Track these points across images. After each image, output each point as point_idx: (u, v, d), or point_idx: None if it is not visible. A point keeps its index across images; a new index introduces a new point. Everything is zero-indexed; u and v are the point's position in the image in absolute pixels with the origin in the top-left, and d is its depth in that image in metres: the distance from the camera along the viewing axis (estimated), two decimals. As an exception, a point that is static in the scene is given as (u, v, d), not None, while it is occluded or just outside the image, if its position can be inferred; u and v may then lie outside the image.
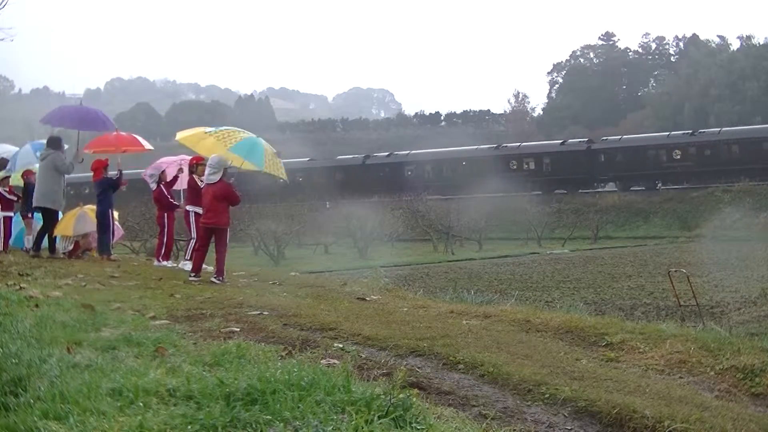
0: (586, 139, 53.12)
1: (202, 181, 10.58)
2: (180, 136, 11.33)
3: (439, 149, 56.53)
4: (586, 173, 48.51)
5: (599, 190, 49.46)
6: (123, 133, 13.72)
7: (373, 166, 54.82)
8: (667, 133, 50.37)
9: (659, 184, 47.94)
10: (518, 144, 54.82)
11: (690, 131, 49.95)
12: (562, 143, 52.29)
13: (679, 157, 46.49)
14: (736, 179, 43.87)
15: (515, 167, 50.52)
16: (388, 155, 56.76)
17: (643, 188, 47.66)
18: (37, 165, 12.64)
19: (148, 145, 13.46)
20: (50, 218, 12.19)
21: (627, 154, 47.38)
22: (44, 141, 13.00)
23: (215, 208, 9.78)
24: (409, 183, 48.75)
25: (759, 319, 13.58)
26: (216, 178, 9.77)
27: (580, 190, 47.48)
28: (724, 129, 49.39)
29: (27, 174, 13.45)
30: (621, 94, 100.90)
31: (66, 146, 12.57)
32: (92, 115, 13.26)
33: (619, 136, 51.83)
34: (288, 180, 11.62)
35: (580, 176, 48.23)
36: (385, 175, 52.77)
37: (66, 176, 12.47)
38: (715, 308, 15.05)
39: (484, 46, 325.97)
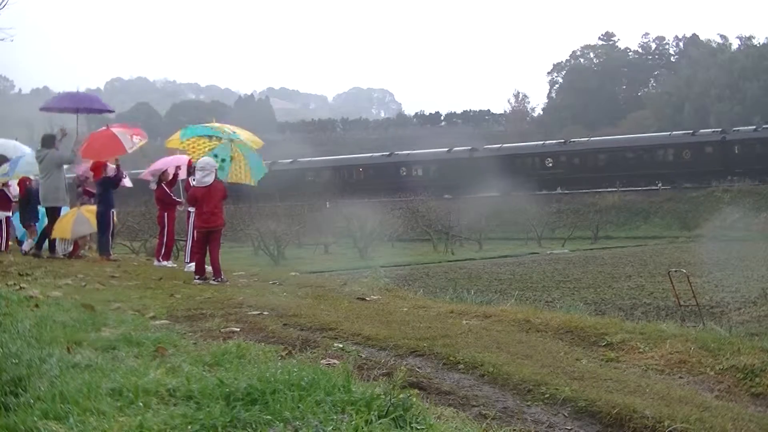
0: (469, 148, 55.58)
1: None
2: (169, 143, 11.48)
3: (338, 156, 61.12)
4: (469, 179, 50.39)
5: (481, 195, 50.46)
6: (113, 129, 12.85)
7: (279, 172, 54.50)
8: (542, 142, 55.47)
9: (544, 190, 50.93)
10: (407, 152, 58.10)
11: (563, 140, 54.36)
12: (448, 151, 55.23)
13: (551, 164, 51.00)
14: (604, 186, 48.50)
15: (405, 173, 54.21)
16: (291, 162, 57.86)
17: (522, 193, 49.32)
18: (36, 168, 12.66)
19: (128, 145, 12.46)
20: (54, 216, 12.22)
21: (505, 162, 49.96)
22: None
23: (212, 210, 9.81)
24: (311, 188, 51.65)
25: (759, 319, 13.56)
26: (210, 179, 9.77)
27: (464, 195, 48.49)
28: (592, 138, 54.01)
29: (27, 181, 13.46)
30: (621, 94, 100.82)
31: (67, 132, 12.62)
32: (87, 98, 13.59)
33: (499, 145, 55.92)
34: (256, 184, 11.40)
35: (463, 182, 50.16)
36: (289, 180, 53.00)
37: (67, 172, 12.51)
38: (715, 308, 15.03)
39: (484, 46, 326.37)
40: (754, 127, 48.07)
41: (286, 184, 50.48)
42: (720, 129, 50.66)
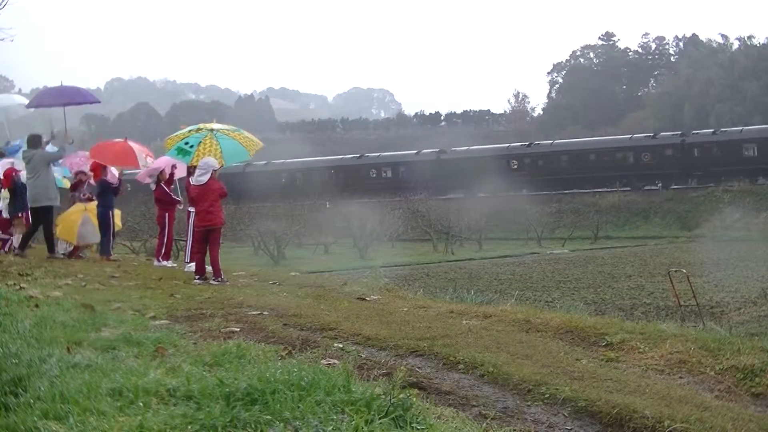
0: (437, 150, 56.27)
1: None
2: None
3: (311, 158, 62.20)
4: (437, 181, 51.16)
5: (449, 196, 50.85)
6: (131, 143, 13.26)
7: (253, 174, 54.25)
8: (507, 144, 56.37)
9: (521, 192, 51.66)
10: (377, 154, 59.89)
11: (527, 143, 55.59)
12: (416, 153, 56.26)
13: (516, 166, 52.12)
14: (567, 188, 49.84)
15: (375, 175, 55.69)
16: (265, 164, 57.83)
17: (488, 195, 49.56)
18: (20, 163, 12.66)
19: (141, 162, 12.91)
20: (46, 216, 12.17)
21: (470, 164, 50.54)
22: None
23: (208, 209, 9.95)
24: (285, 189, 51.70)
25: (759, 319, 13.57)
26: (205, 178, 9.91)
27: (434, 197, 48.59)
28: (556, 141, 56.21)
29: (13, 171, 13.38)
30: (621, 94, 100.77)
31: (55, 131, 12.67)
32: (72, 90, 13.63)
33: (467, 147, 56.57)
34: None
35: (431, 183, 50.65)
36: (263, 182, 52.69)
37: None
38: (715, 308, 15.04)
39: (484, 46, 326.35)
40: (713, 130, 49.81)
41: (260, 186, 50.50)
42: (680, 132, 51.89)
